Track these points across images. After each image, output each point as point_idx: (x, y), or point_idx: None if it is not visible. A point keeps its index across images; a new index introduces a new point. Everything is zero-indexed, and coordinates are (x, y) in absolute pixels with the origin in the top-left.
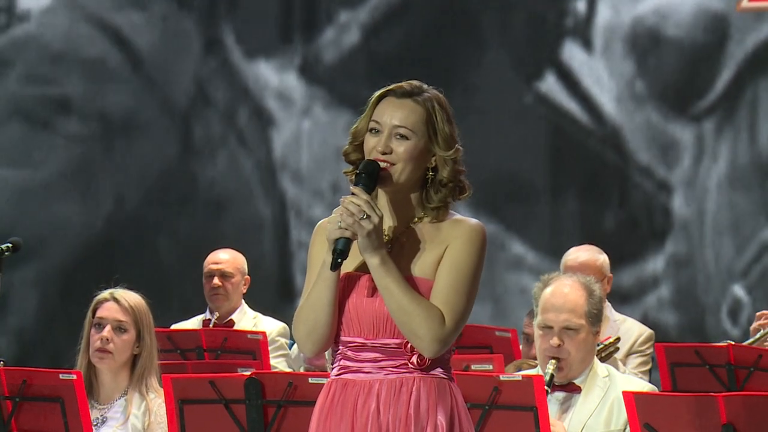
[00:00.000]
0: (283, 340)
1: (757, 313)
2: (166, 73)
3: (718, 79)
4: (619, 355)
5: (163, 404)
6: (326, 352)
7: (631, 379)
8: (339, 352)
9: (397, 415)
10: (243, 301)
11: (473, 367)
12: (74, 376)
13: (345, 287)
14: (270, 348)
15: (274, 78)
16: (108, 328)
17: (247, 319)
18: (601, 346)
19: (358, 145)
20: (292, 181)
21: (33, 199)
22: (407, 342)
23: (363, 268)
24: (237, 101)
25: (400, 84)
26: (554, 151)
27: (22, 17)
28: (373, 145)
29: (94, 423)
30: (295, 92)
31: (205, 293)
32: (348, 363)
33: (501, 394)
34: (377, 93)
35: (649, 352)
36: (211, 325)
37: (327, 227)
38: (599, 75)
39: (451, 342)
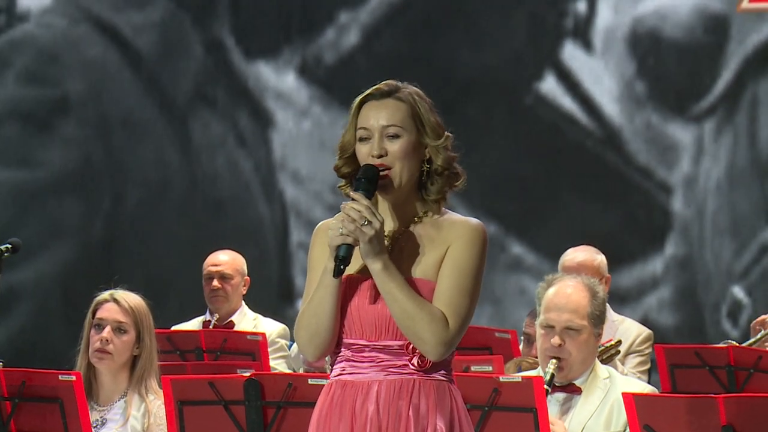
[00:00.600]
0: (282, 342)
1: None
2: (165, 74)
3: (718, 80)
4: (617, 356)
5: (163, 406)
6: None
7: (631, 380)
8: (340, 354)
9: (396, 417)
10: (243, 302)
11: (473, 368)
12: (73, 377)
13: (347, 290)
14: (270, 349)
15: (273, 78)
16: (108, 329)
17: (247, 320)
18: (602, 348)
19: (349, 158)
20: (291, 181)
21: (32, 199)
22: (409, 343)
23: (365, 271)
24: (237, 102)
25: (376, 86)
26: (554, 151)
27: (21, 17)
28: (366, 152)
29: (94, 425)
30: (295, 93)
31: (204, 295)
32: (349, 364)
33: (501, 396)
34: (356, 100)
35: (647, 352)
36: (211, 327)
37: (329, 234)
38: (599, 76)
39: (456, 344)
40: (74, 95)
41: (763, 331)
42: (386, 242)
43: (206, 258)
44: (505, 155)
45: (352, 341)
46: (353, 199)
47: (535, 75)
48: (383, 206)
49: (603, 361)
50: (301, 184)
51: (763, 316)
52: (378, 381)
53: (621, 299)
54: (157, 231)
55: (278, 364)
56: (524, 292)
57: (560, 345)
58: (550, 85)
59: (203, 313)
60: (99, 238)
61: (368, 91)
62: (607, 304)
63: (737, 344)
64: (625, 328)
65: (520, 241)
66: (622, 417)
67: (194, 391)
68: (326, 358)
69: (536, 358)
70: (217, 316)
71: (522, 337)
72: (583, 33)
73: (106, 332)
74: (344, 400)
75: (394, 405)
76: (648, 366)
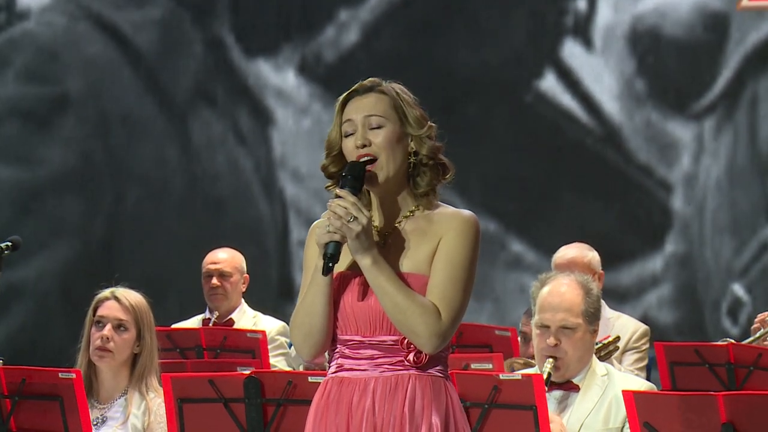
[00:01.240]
0: (282, 339)
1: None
2: (165, 72)
3: (718, 78)
4: (616, 352)
5: (163, 404)
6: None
7: (629, 377)
8: (336, 350)
9: (392, 413)
10: (243, 300)
11: (473, 366)
12: (73, 375)
13: (339, 287)
14: (270, 347)
15: (273, 76)
16: (108, 326)
17: (246, 318)
18: (600, 345)
19: (336, 156)
20: (291, 179)
21: (32, 197)
22: (404, 338)
23: (356, 267)
24: (236, 100)
25: (359, 83)
26: (554, 149)
27: (21, 15)
28: (352, 145)
29: (94, 423)
30: (295, 91)
31: (204, 293)
32: (345, 361)
33: (501, 393)
34: (340, 98)
35: (644, 348)
36: (210, 325)
37: (316, 232)
38: (599, 74)
39: (450, 336)
40: (74, 93)
41: (762, 329)
42: (377, 238)
43: (206, 256)
44: (505, 153)
45: (347, 338)
46: (339, 196)
47: (535, 73)
48: (374, 203)
49: (602, 358)
50: (301, 182)
51: (763, 314)
52: (374, 377)
53: (621, 297)
54: (157, 229)
55: (278, 362)
56: (524, 290)
57: (556, 344)
58: (550, 83)
59: (203, 311)
60: (99, 236)
61: (351, 89)
62: (602, 301)
63: (737, 342)
64: (621, 325)
65: (520, 238)
66: (620, 414)
67: (194, 388)
68: (326, 355)
69: (529, 358)
70: (216, 314)
71: (520, 336)
72: (583, 31)
73: (107, 330)
74: (341, 397)
75: (389, 401)
76: (645, 362)
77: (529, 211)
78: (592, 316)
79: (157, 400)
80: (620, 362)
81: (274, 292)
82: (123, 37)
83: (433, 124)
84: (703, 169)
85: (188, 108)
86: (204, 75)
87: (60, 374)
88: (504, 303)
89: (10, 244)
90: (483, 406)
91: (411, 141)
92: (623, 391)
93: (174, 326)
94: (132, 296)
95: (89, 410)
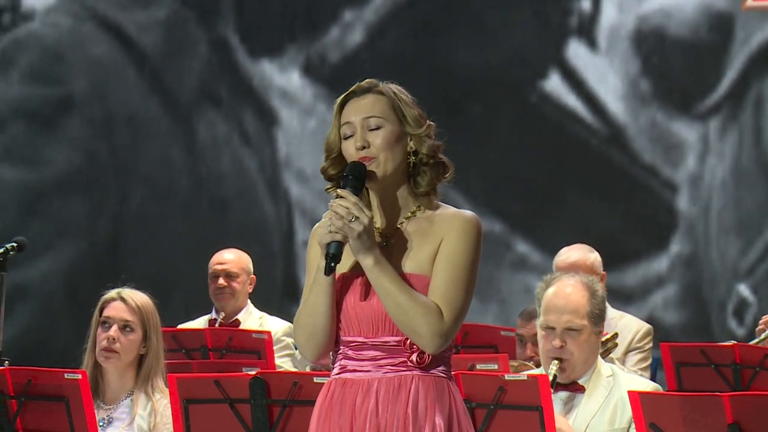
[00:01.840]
0: (288, 340)
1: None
2: (170, 72)
3: (723, 78)
4: (617, 354)
5: (169, 405)
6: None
7: (635, 378)
8: (340, 351)
9: (396, 414)
10: (249, 300)
11: (478, 366)
12: (79, 376)
13: (342, 288)
14: (275, 348)
15: (278, 77)
16: (115, 327)
17: (252, 318)
18: None
19: (335, 159)
20: (296, 180)
21: (37, 198)
22: (407, 339)
23: (358, 268)
24: (241, 100)
25: (357, 85)
26: (559, 150)
27: (26, 16)
28: (351, 148)
29: (100, 423)
30: (300, 91)
31: (210, 293)
32: (348, 362)
33: (506, 394)
34: (338, 101)
35: (648, 347)
36: (216, 325)
37: (318, 232)
38: (604, 74)
39: (453, 336)
40: (79, 94)
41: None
42: (379, 239)
43: (212, 256)
44: (510, 153)
45: (350, 339)
46: (340, 196)
47: (539, 73)
48: (374, 203)
49: (601, 355)
50: (306, 183)
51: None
52: (377, 378)
53: (626, 297)
54: (162, 229)
55: (284, 363)
56: (529, 291)
57: (561, 346)
58: (554, 84)
59: (209, 312)
60: (104, 236)
61: (348, 90)
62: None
63: (743, 342)
64: (624, 324)
65: (525, 239)
66: (626, 414)
67: (200, 389)
68: (330, 356)
69: (526, 361)
70: (222, 314)
71: (517, 338)
72: (587, 31)
73: (113, 331)
74: (344, 398)
75: (393, 402)
76: (649, 362)
77: (534, 211)
78: (598, 318)
79: (163, 401)
80: (623, 362)
81: (279, 292)
82: (128, 38)
83: (432, 123)
84: (708, 170)
85: (193, 108)
86: (209, 75)
87: (66, 375)
88: (509, 304)
89: (15, 244)
90: (489, 407)
91: (410, 140)
92: (629, 392)
93: (180, 327)
94: (138, 297)
95: (95, 411)
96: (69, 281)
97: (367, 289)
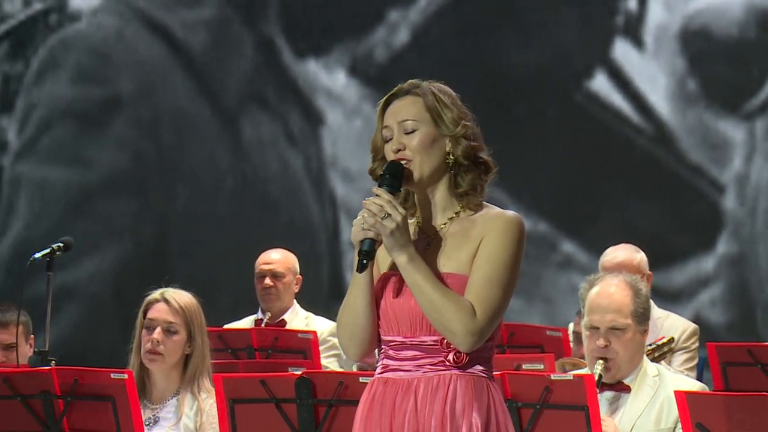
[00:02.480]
0: (334, 340)
1: None
2: (216, 73)
3: None
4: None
5: (215, 404)
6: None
7: (681, 378)
8: (382, 351)
9: (434, 413)
10: (295, 300)
11: (524, 366)
12: (125, 376)
13: (382, 287)
14: (321, 348)
15: (324, 77)
16: (158, 330)
17: (299, 318)
18: (654, 346)
19: (382, 160)
20: (342, 180)
21: (84, 198)
22: (443, 339)
23: (397, 268)
24: (287, 100)
25: (398, 86)
26: (605, 150)
27: (73, 17)
28: (389, 151)
29: (146, 423)
30: (345, 91)
31: (256, 293)
32: (390, 361)
33: (552, 394)
34: (380, 103)
35: (694, 347)
36: (262, 325)
37: (352, 230)
38: (650, 73)
39: (487, 335)
40: (125, 94)
41: None
42: (419, 237)
43: (258, 256)
44: (556, 153)
45: (390, 338)
46: (376, 194)
47: (585, 73)
48: (417, 203)
49: (655, 359)
50: (352, 182)
51: None
52: (417, 378)
53: (673, 297)
54: (208, 230)
55: (330, 362)
56: (575, 291)
57: (606, 346)
58: (600, 83)
59: (255, 312)
60: (150, 236)
61: (390, 92)
62: (651, 301)
63: None
64: (670, 324)
65: (571, 239)
66: (672, 415)
67: (246, 389)
68: (376, 354)
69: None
70: (269, 314)
71: (572, 336)
72: (634, 31)
73: (157, 333)
74: (385, 398)
75: (431, 401)
76: (696, 362)
77: (580, 211)
78: (642, 317)
79: (209, 401)
80: (670, 363)
81: (324, 292)
82: (173, 38)
83: (469, 124)
84: (755, 169)
85: (239, 109)
86: (254, 76)
87: (112, 375)
88: (555, 303)
89: (62, 245)
90: (535, 407)
91: (448, 141)
92: (675, 392)
93: (226, 327)
94: (182, 297)
95: (141, 411)
96: (115, 281)
97: (405, 289)
